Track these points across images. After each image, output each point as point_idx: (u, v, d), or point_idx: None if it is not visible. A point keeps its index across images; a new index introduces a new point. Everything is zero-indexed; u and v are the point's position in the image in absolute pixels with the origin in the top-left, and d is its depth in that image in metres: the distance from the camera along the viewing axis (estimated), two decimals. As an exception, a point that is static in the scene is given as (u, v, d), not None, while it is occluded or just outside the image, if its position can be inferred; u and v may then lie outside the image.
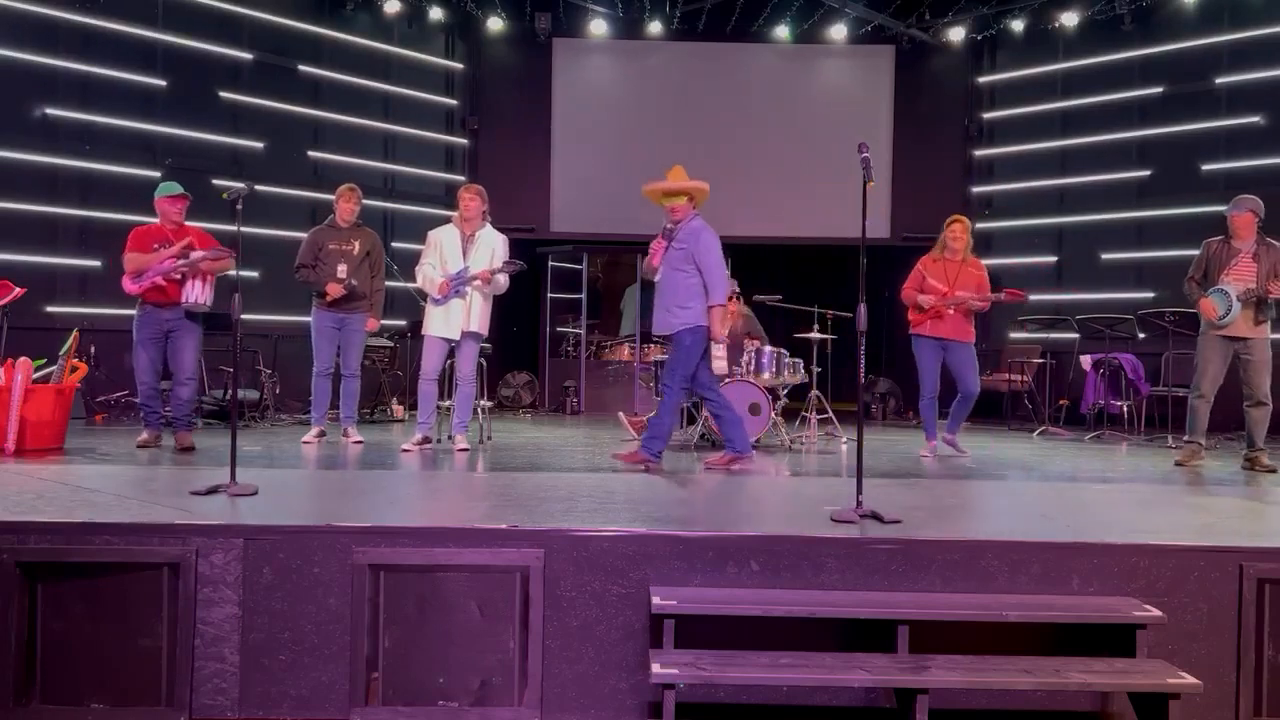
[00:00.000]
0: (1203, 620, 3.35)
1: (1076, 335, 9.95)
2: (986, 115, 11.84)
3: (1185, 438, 6.35)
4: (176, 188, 6.31)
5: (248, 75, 10.03)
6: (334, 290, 6.55)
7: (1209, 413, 6.18)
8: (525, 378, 11.71)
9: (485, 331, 6.43)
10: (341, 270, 6.59)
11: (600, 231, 11.97)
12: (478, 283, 6.24)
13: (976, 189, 11.90)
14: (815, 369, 7.81)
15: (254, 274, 9.30)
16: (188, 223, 6.40)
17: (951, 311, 6.45)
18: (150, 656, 3.29)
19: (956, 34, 11.62)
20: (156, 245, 6.10)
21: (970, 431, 7.04)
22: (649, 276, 5.80)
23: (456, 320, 6.25)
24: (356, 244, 6.70)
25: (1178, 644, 3.32)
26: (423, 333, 6.36)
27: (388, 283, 7.05)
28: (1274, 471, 5.98)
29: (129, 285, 6.06)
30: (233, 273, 4.69)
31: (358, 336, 6.77)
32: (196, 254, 6.04)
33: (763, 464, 6.23)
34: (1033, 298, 10.52)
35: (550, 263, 12.19)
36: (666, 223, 5.64)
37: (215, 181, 8.46)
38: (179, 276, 6.03)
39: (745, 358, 7.22)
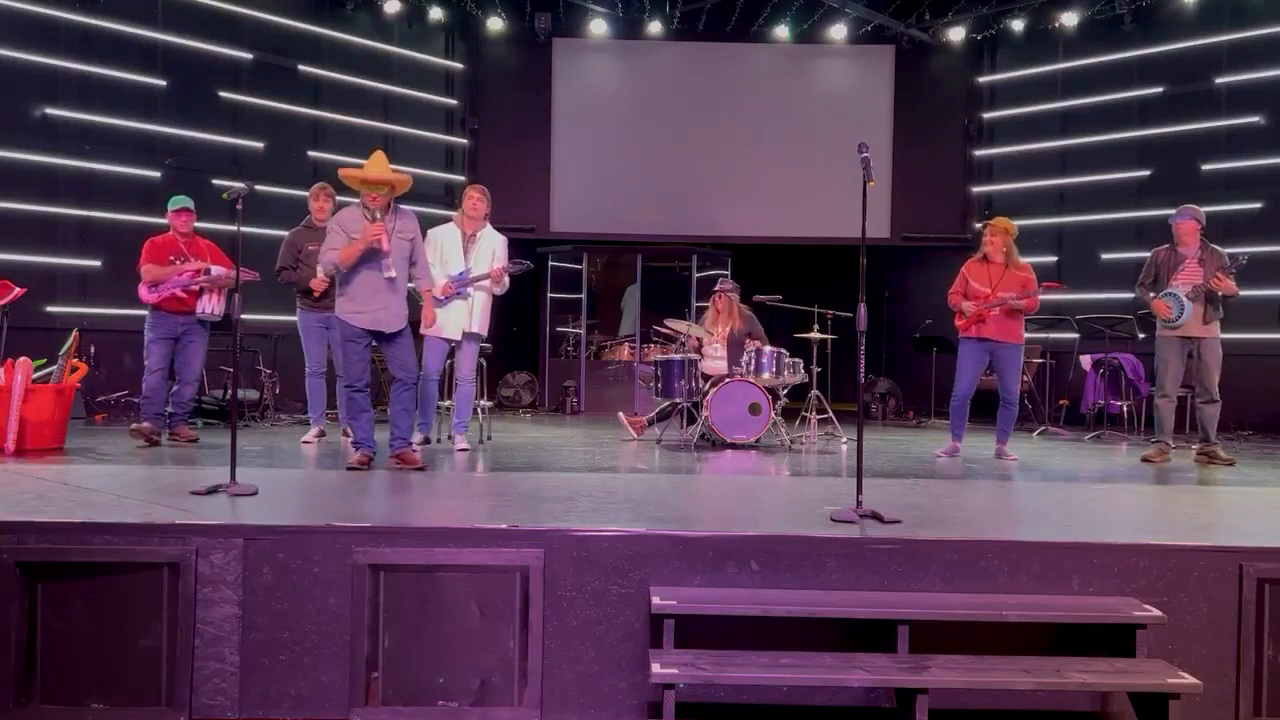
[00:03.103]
0: (1203, 620, 3.35)
1: (1076, 335, 9.95)
2: (986, 115, 11.84)
3: (1154, 438, 6.63)
4: (182, 201, 6.61)
5: (248, 75, 10.03)
6: (319, 285, 6.56)
7: (1174, 412, 6.56)
8: (525, 378, 11.71)
9: (485, 332, 6.43)
10: (322, 270, 6.60)
11: (600, 231, 11.97)
12: (487, 282, 6.24)
13: (976, 189, 11.90)
14: (815, 369, 7.81)
15: (254, 274, 9.30)
16: (198, 230, 6.75)
17: (995, 313, 6.46)
18: (150, 656, 3.29)
19: (956, 34, 11.62)
20: (172, 257, 6.46)
21: (971, 431, 7.03)
22: (390, 271, 5.22)
23: (457, 321, 6.25)
24: None
25: (1178, 644, 3.32)
26: (422, 332, 6.36)
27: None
28: (1232, 464, 6.31)
29: (146, 294, 6.38)
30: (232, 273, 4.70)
31: None
32: (218, 270, 6.46)
33: (763, 464, 6.23)
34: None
35: (550, 263, 12.18)
36: (374, 212, 5.15)
37: (215, 181, 8.50)
38: (198, 289, 6.45)
39: (745, 358, 7.22)
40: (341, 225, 5.17)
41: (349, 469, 5.16)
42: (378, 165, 5.23)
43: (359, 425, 5.33)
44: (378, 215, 5.20)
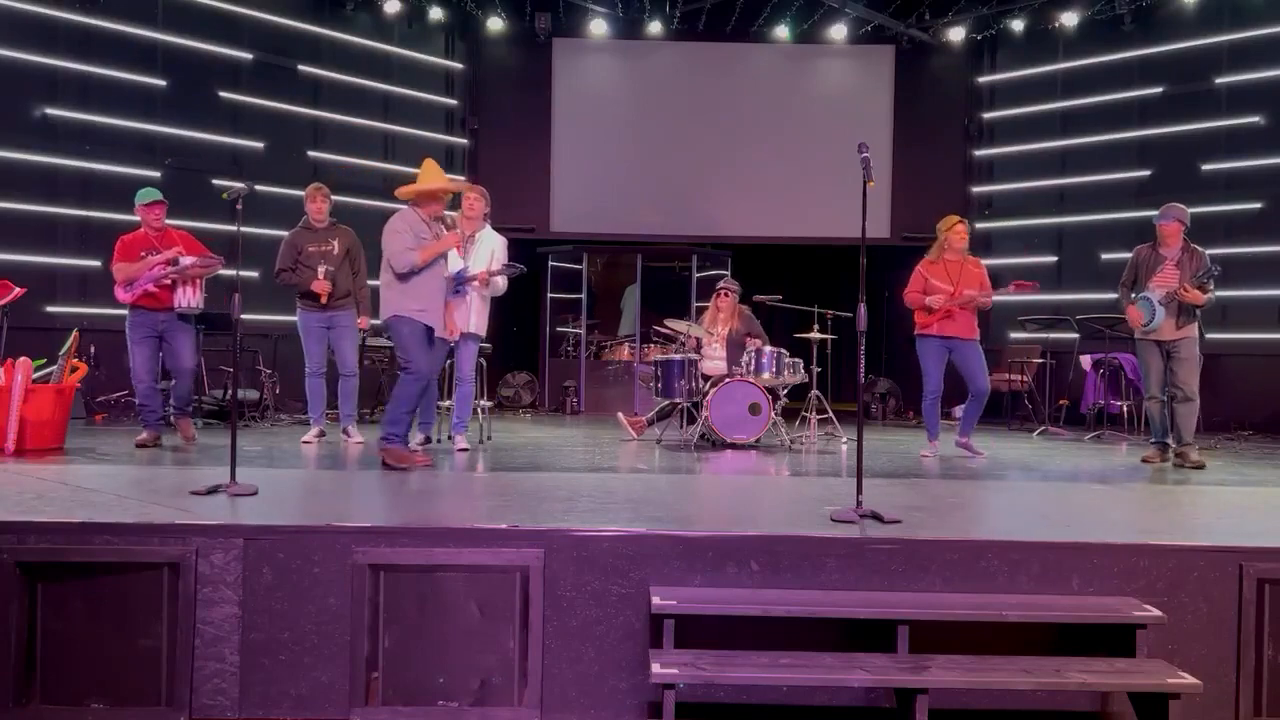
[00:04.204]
0: (1203, 620, 3.35)
1: (1076, 335, 9.95)
2: (986, 115, 11.84)
3: (1152, 439, 6.61)
4: (151, 194, 6.39)
5: (248, 75, 10.04)
6: (322, 288, 6.54)
7: (1164, 412, 6.48)
8: (525, 378, 11.71)
9: (483, 333, 6.43)
10: (323, 271, 6.58)
11: (600, 231, 11.97)
12: (476, 284, 6.24)
13: (976, 189, 11.90)
14: (815, 369, 7.81)
15: (254, 274, 9.29)
16: (175, 225, 6.55)
17: (957, 310, 6.46)
18: (150, 656, 3.29)
19: (956, 34, 11.62)
20: (143, 253, 6.23)
21: (974, 432, 7.03)
22: (449, 271, 5.66)
23: (456, 321, 6.24)
24: (335, 244, 6.67)
25: (1178, 644, 3.32)
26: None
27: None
28: (1202, 467, 6.18)
29: (121, 294, 6.22)
30: (232, 273, 4.69)
31: (349, 334, 6.76)
32: (187, 260, 6.20)
33: (763, 464, 6.23)
34: (1033, 298, 10.53)
35: (550, 263, 12.19)
36: (450, 219, 5.58)
37: (215, 181, 8.51)
38: (170, 283, 6.19)
39: (745, 358, 7.22)
40: (411, 227, 5.36)
41: (393, 467, 5.17)
42: (436, 176, 5.49)
43: (408, 421, 5.39)
44: (453, 222, 5.50)
